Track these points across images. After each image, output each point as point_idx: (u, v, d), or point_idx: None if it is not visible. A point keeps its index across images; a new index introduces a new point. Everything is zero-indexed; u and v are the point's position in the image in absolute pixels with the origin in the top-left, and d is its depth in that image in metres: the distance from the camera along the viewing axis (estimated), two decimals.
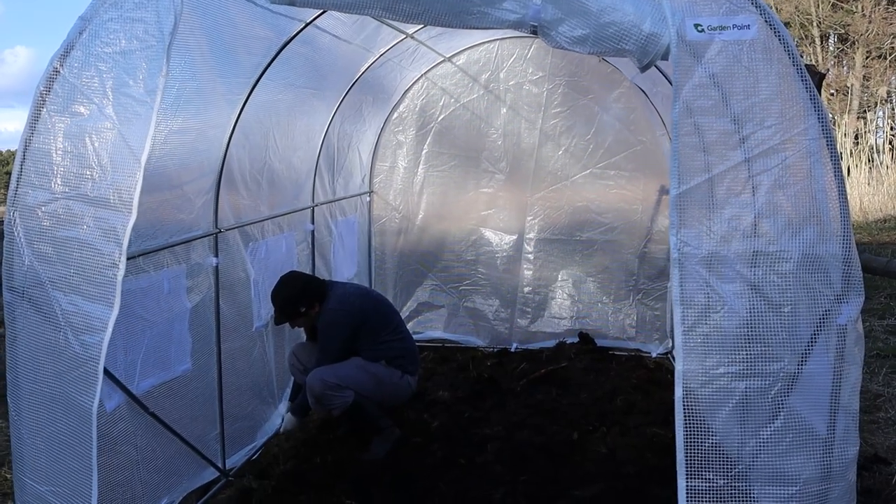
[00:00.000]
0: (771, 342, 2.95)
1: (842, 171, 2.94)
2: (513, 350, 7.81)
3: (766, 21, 2.87)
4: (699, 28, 2.86)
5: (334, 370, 5.29)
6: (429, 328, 8.09)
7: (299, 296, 5.37)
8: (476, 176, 7.91)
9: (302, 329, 5.81)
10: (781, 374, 2.96)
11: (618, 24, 2.84)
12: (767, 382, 2.97)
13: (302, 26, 4.72)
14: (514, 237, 7.95)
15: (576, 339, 7.82)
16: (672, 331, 7.17)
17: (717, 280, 2.93)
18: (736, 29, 2.86)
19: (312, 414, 5.56)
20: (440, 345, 7.98)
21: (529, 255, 7.92)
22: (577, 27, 2.87)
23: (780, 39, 2.87)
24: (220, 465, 4.92)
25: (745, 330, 2.95)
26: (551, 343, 7.80)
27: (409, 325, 7.88)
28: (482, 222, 8.00)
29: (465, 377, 7.03)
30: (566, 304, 7.92)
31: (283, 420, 5.67)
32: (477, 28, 2.98)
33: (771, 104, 2.89)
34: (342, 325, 5.44)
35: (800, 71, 2.88)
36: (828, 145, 2.90)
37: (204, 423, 4.75)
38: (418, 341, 7.78)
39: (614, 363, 7.37)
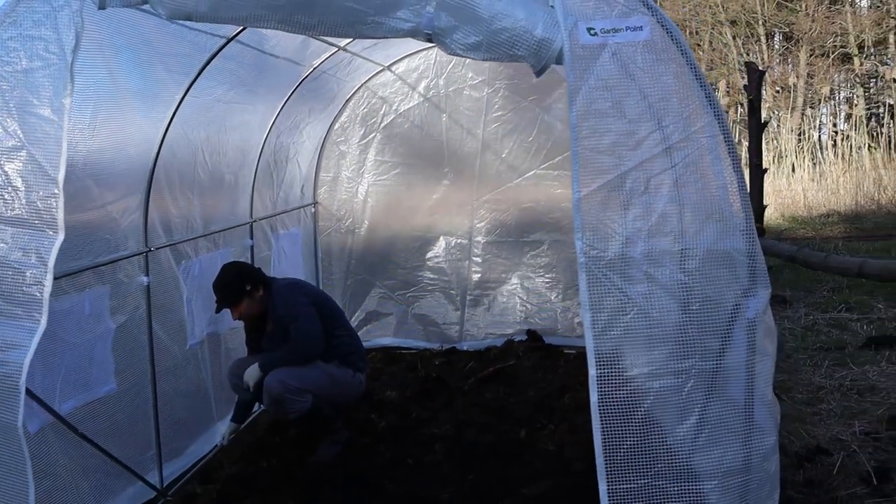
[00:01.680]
0: (682, 340, 2.97)
1: (740, 167, 2.98)
2: (461, 349, 7.82)
3: (658, 21, 2.89)
4: (592, 31, 2.87)
5: (293, 372, 5.18)
6: (378, 336, 8.06)
7: (244, 274, 5.29)
8: (420, 182, 7.91)
9: (241, 345, 5.73)
10: (693, 371, 2.98)
11: (510, 30, 2.85)
12: (681, 380, 2.99)
13: (223, 42, 4.68)
14: (462, 241, 7.96)
15: (524, 338, 7.85)
16: None
17: (625, 282, 2.94)
18: (629, 31, 2.88)
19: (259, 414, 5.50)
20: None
21: (477, 258, 7.94)
22: (470, 34, 2.87)
23: (672, 39, 2.90)
24: (157, 484, 4.86)
25: (656, 330, 2.96)
26: (500, 342, 7.83)
27: (358, 335, 7.88)
28: (428, 228, 8.00)
29: (414, 377, 7.04)
30: (515, 304, 7.94)
31: (223, 437, 5.56)
32: (372, 37, 2.99)
33: (668, 103, 2.91)
34: (304, 300, 5.37)
35: (693, 69, 2.91)
36: (725, 141, 2.93)
37: (139, 444, 4.69)
38: (367, 349, 7.78)
39: (562, 360, 7.38)
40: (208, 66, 4.71)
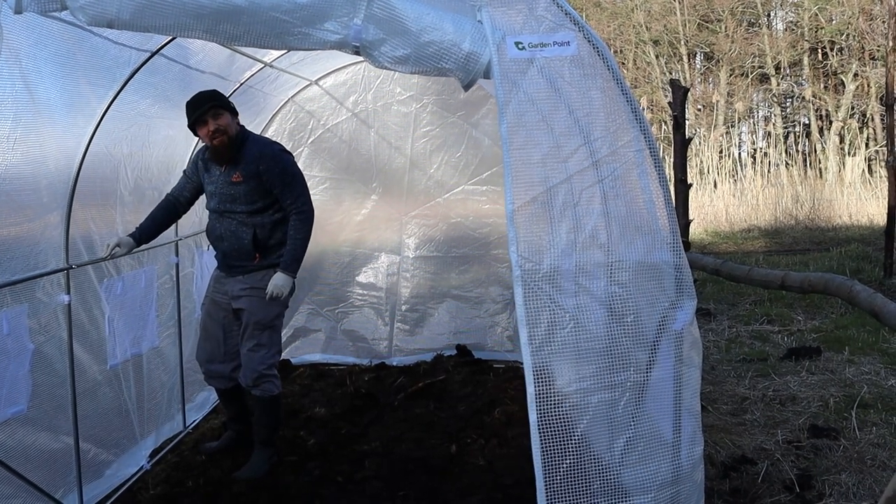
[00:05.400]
0: (617, 352, 2.99)
1: (666, 181, 3.02)
2: (391, 364, 7.79)
3: (585, 37, 2.93)
4: (520, 46, 2.90)
5: (268, 344, 5.20)
6: (306, 352, 7.97)
7: (227, 99, 5.11)
8: (349, 197, 7.86)
9: (162, 365, 5.55)
10: (629, 384, 3.00)
11: (437, 43, 2.85)
12: (617, 394, 3.01)
13: (148, 56, 4.57)
14: (391, 256, 7.94)
15: (454, 353, 7.85)
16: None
17: (561, 295, 2.95)
18: (557, 46, 2.90)
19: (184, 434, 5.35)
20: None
21: (406, 273, 7.92)
22: (398, 47, 2.87)
23: (599, 55, 2.94)
24: None
25: (593, 343, 2.98)
26: (429, 357, 7.82)
27: (286, 352, 7.80)
28: (357, 243, 7.95)
29: (343, 393, 6.97)
30: (444, 319, 7.93)
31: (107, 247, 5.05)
32: (300, 49, 2.96)
33: (596, 118, 2.94)
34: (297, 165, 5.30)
35: (620, 84, 2.95)
36: (651, 156, 2.97)
37: (58, 467, 4.54)
38: (296, 366, 7.69)
39: (492, 375, 7.39)
40: (132, 80, 4.61)
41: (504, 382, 7.13)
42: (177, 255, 6.09)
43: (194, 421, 6.33)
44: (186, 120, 5.01)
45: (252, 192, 5.10)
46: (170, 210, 5.35)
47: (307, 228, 5.19)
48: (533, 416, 3.01)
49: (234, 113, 5.11)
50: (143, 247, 5.22)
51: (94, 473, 4.94)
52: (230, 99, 5.27)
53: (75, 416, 4.66)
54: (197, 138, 5.89)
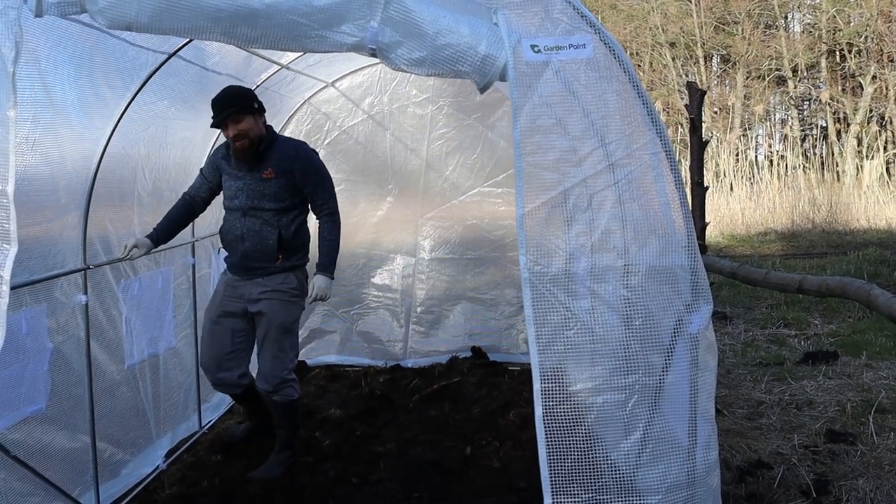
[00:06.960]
0: (625, 355, 2.98)
1: (682, 184, 3.02)
2: (406, 366, 7.80)
3: (601, 40, 2.92)
4: (536, 49, 2.90)
5: (286, 347, 5.18)
6: (321, 354, 7.98)
7: (252, 94, 5.07)
8: (365, 199, 7.88)
9: (178, 365, 5.59)
10: (637, 386, 3.00)
11: (453, 46, 2.86)
12: (624, 395, 3.00)
13: (165, 58, 4.60)
14: (406, 258, 7.95)
15: (469, 355, 7.85)
16: None
17: (569, 297, 2.95)
18: (572, 48, 2.90)
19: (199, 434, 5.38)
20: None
21: (422, 275, 7.92)
22: (414, 50, 2.88)
23: (615, 57, 2.93)
24: None
25: (600, 345, 2.97)
26: (445, 359, 7.82)
27: (302, 353, 7.79)
28: (373, 245, 7.97)
29: (358, 394, 6.98)
30: (459, 321, 7.93)
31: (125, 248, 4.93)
32: (317, 51, 2.99)
33: (611, 121, 2.94)
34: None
35: (636, 87, 2.94)
36: (667, 159, 2.97)
37: (75, 465, 4.57)
38: (311, 367, 7.71)
39: (507, 377, 7.39)
40: (149, 82, 4.64)
41: (519, 385, 7.12)
42: (193, 255, 6.12)
43: (210, 421, 6.36)
44: (204, 121, 5.04)
45: (282, 189, 5.09)
46: (186, 210, 5.34)
47: (339, 229, 5.25)
48: (538, 411, 3.01)
49: (260, 112, 5.06)
50: (160, 247, 5.23)
51: (111, 473, 4.98)
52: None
53: (92, 415, 4.70)
54: (215, 138, 5.96)
